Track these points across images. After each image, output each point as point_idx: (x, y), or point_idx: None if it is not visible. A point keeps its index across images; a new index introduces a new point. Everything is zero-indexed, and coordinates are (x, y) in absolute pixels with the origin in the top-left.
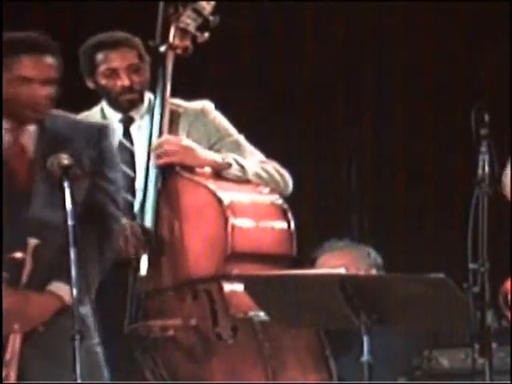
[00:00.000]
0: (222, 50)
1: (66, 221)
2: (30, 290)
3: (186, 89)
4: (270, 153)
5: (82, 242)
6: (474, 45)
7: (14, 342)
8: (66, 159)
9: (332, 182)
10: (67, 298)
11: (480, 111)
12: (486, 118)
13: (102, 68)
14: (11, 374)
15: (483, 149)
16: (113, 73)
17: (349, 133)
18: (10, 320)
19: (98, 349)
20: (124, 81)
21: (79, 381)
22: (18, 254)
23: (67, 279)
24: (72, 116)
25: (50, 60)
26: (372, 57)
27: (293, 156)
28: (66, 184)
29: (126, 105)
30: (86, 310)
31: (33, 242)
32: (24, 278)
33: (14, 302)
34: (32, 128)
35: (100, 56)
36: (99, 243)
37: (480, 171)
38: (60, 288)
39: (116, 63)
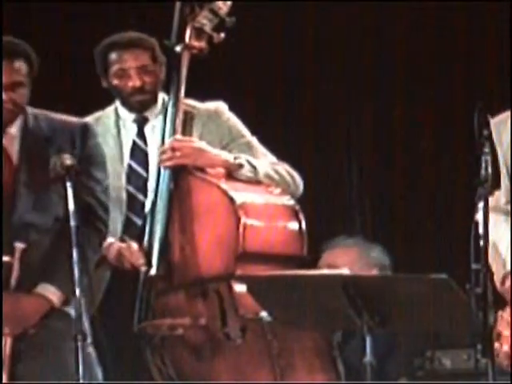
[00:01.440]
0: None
1: (68, 221)
2: (19, 292)
3: (200, 89)
4: (269, 152)
5: (67, 243)
6: (475, 44)
7: (5, 346)
8: (68, 159)
9: (333, 182)
10: (54, 299)
11: (483, 112)
12: (489, 118)
13: (115, 68)
14: (3, 376)
15: (486, 149)
16: (124, 73)
17: (349, 132)
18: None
19: (91, 349)
20: (135, 81)
21: (81, 381)
22: (6, 258)
23: (54, 281)
24: (54, 115)
25: (18, 64)
26: (373, 56)
27: (293, 155)
28: (68, 184)
29: (137, 106)
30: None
31: (20, 246)
32: (12, 281)
33: (4, 305)
34: (13, 130)
35: (113, 56)
36: (84, 244)
37: (483, 172)
38: (47, 289)
39: (128, 63)
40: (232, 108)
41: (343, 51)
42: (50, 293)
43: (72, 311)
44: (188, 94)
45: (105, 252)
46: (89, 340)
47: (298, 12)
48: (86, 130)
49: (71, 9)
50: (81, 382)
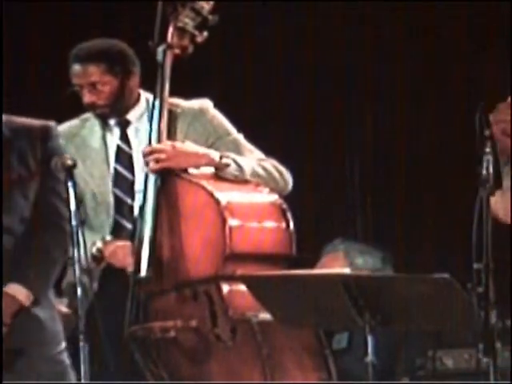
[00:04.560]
0: (221, 47)
1: (70, 220)
2: None
3: (185, 87)
4: (270, 152)
5: (34, 244)
6: (476, 44)
7: None
8: (69, 160)
9: (334, 181)
10: (22, 298)
11: (484, 112)
12: (490, 118)
13: (73, 81)
14: None
15: (487, 149)
16: (79, 87)
17: (350, 132)
18: None
19: (63, 357)
20: (85, 98)
21: (83, 381)
22: None
23: (21, 280)
24: (15, 119)
25: None
26: (373, 57)
27: (294, 155)
28: (70, 184)
29: (99, 117)
30: (44, 313)
31: None
32: None
33: None
34: None
35: (72, 69)
36: (51, 245)
37: (484, 172)
38: (15, 290)
39: (79, 80)
40: (231, 106)
41: (344, 49)
42: (18, 292)
43: (39, 313)
44: (179, 93)
45: (103, 249)
46: (60, 347)
47: (296, 11)
48: (46, 131)
49: (52, 10)
50: (82, 381)
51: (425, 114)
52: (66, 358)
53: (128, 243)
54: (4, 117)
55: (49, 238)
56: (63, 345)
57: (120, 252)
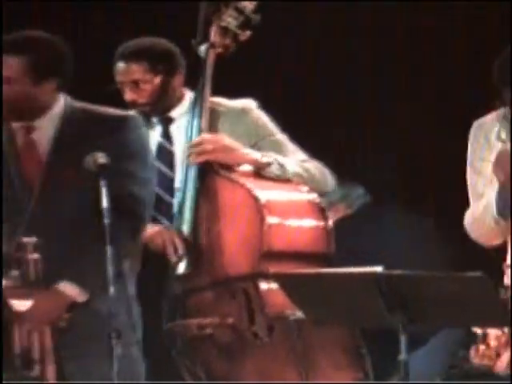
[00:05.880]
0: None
1: (100, 219)
2: (39, 288)
3: (230, 86)
4: None
5: (96, 237)
6: (477, 45)
7: (43, 341)
8: (101, 158)
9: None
10: (74, 295)
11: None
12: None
13: (116, 78)
14: (48, 372)
15: None
16: (121, 85)
17: (351, 132)
18: (21, 318)
19: (133, 350)
20: (127, 96)
21: (116, 380)
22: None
23: (73, 277)
24: (93, 107)
25: (10, 60)
26: (374, 57)
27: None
28: (102, 183)
29: (141, 114)
30: (106, 307)
31: (31, 240)
32: (31, 276)
33: (23, 301)
34: (45, 123)
35: (116, 66)
36: (116, 238)
37: None
38: (65, 286)
39: (121, 77)
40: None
41: (345, 49)
42: (68, 289)
43: (102, 308)
44: (223, 92)
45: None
46: (131, 340)
47: (298, 12)
48: (122, 122)
49: (97, 8)
50: (115, 382)
51: (426, 114)
52: (134, 352)
53: (166, 228)
54: (80, 105)
55: (116, 235)
56: (135, 337)
57: (159, 236)
